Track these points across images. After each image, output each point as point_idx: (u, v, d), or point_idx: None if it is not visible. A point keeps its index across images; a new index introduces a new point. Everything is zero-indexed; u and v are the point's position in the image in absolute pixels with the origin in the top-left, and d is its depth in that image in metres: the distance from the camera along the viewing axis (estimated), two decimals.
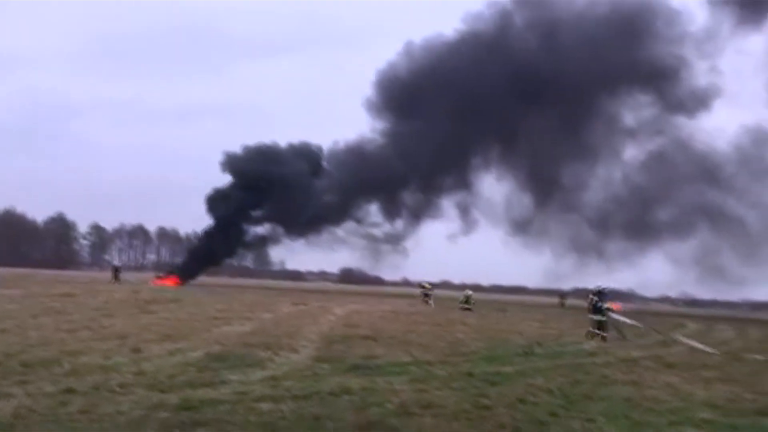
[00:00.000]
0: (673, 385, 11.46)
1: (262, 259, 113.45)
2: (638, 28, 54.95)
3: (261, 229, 66.94)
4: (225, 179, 63.79)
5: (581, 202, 58.55)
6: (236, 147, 69.41)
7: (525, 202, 60.07)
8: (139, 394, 8.08)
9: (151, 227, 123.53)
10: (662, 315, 48.11)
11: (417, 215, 63.14)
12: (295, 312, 24.25)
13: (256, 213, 64.56)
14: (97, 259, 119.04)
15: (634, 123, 58.22)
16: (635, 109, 58.04)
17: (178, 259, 73.61)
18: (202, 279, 62.96)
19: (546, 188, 58.70)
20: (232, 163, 63.24)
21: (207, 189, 63.76)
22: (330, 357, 12.12)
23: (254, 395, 8.26)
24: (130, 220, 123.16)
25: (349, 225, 64.96)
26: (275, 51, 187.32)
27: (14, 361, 9.77)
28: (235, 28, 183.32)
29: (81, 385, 8.31)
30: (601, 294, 20.48)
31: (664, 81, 55.49)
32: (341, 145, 65.77)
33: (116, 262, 54.86)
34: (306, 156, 64.69)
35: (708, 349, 18.43)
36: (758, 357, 17.38)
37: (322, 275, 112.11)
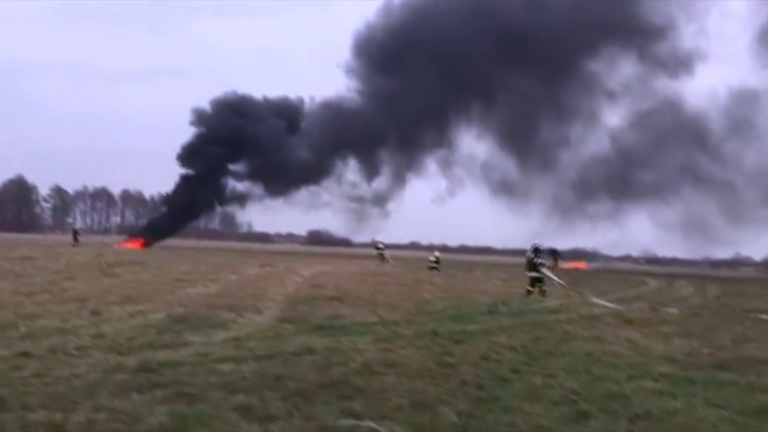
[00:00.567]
0: (632, 340, 11.66)
1: (230, 222, 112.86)
2: None
3: (239, 186, 65.36)
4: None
5: (561, 163, 58.60)
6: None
7: (505, 162, 59.94)
8: (97, 356, 7.92)
9: (115, 190, 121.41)
10: (625, 273, 49.16)
11: (399, 174, 62.15)
12: (262, 274, 24.11)
13: (233, 167, 63.10)
14: (59, 223, 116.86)
15: (617, 84, 58.05)
16: (618, 70, 57.75)
17: (143, 222, 71.47)
18: (169, 242, 62.26)
19: (526, 148, 58.57)
20: (202, 119, 61.36)
21: (172, 151, 62.09)
22: (294, 317, 12.07)
23: (215, 356, 8.16)
24: (94, 183, 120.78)
25: (331, 186, 63.92)
26: (242, 10, 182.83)
27: None
28: None
29: (37, 349, 8.12)
30: (538, 251, 20.79)
31: (648, 41, 55.24)
32: (317, 102, 64.35)
33: (76, 225, 53.13)
34: (283, 110, 62.97)
35: (615, 306, 18.48)
36: (672, 310, 17.66)
37: (290, 237, 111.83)
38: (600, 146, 58.39)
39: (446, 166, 62.71)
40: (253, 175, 63.09)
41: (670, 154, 55.30)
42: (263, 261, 33.10)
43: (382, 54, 57.76)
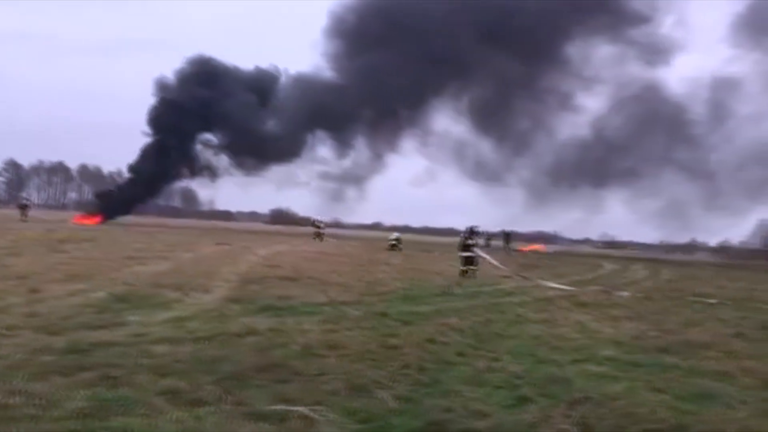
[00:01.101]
0: (582, 323, 11.71)
1: (191, 199, 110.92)
2: None
3: (209, 156, 62.96)
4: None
5: (537, 146, 58.41)
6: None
7: (481, 144, 59.62)
8: (26, 336, 7.57)
9: (73, 165, 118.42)
10: (583, 256, 49.83)
11: (375, 154, 60.92)
12: (217, 252, 23.70)
13: (204, 138, 61.34)
14: (14, 197, 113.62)
15: (595, 68, 57.83)
16: (596, 54, 57.55)
17: (101, 195, 68.43)
18: (127, 219, 60.87)
19: (502, 130, 58.18)
20: (166, 90, 59.00)
21: (133, 127, 59.79)
22: (243, 297, 11.80)
23: (152, 337, 7.87)
24: (51, 157, 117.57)
25: (306, 164, 62.48)
26: None
27: None
28: None
29: None
30: (473, 233, 20.94)
31: (628, 26, 55.04)
32: (291, 75, 62.42)
33: (24, 199, 50.88)
34: (255, 81, 60.88)
35: (570, 288, 18.66)
36: (623, 293, 17.95)
37: (253, 216, 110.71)
38: (577, 131, 58.58)
39: (422, 146, 62.17)
40: (223, 148, 61.32)
41: (647, 140, 55.67)
42: (221, 239, 32.60)
43: (358, 31, 56.46)
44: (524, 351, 8.76)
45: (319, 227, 43.60)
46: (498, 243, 52.20)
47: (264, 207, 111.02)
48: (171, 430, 4.91)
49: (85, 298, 10.65)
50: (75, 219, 53.88)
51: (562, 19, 53.28)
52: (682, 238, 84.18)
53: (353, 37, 56.71)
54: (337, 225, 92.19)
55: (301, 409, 5.48)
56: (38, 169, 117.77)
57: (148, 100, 69.43)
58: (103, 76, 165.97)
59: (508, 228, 56.01)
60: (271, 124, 58.91)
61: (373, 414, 5.60)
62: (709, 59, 77.18)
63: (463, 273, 19.81)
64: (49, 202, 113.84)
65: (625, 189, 58.73)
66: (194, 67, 59.39)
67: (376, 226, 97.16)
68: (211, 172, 62.86)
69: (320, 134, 60.50)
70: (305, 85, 58.54)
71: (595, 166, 56.44)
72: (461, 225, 24.05)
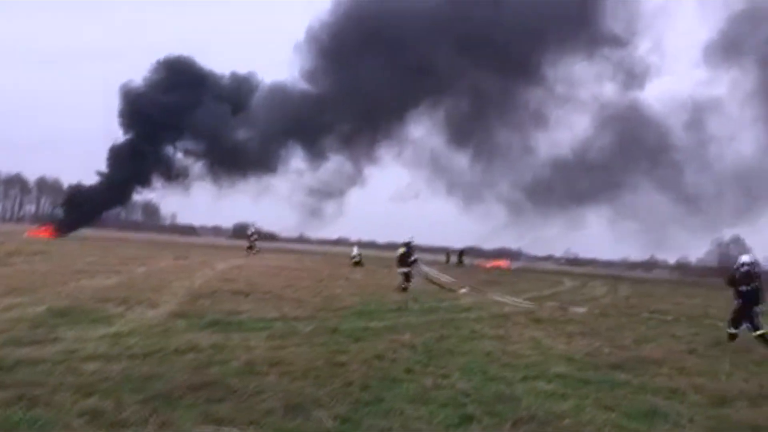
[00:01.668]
0: (536, 339, 11.58)
1: (153, 213, 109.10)
2: None
3: (182, 160, 61.36)
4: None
5: (514, 163, 58.28)
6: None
7: (457, 159, 59.43)
8: None
9: (31, 177, 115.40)
10: (545, 273, 50.12)
11: (354, 168, 60.04)
12: (173, 266, 23.16)
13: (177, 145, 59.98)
14: None
15: (573, 87, 58.14)
16: (575, 73, 57.82)
17: (59, 209, 66.33)
18: (85, 232, 59.35)
19: (479, 146, 58.04)
20: (132, 98, 57.40)
21: (93, 139, 58.40)
22: (190, 312, 11.42)
23: (84, 354, 7.49)
24: (8, 169, 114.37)
25: (282, 177, 61.34)
26: None
27: None
28: None
29: None
30: (409, 246, 20.82)
31: (607, 47, 55.58)
32: (265, 84, 61.17)
33: None
34: (230, 89, 59.84)
35: (527, 304, 18.62)
36: (579, 309, 17.97)
37: (216, 231, 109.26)
38: (553, 149, 58.80)
39: (399, 160, 61.67)
40: (195, 154, 60.05)
41: (624, 159, 56.09)
42: (180, 253, 31.94)
43: (335, 42, 55.86)
44: (475, 368, 8.57)
45: (249, 238, 41.03)
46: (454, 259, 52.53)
47: (228, 222, 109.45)
48: None
49: (22, 312, 10.18)
50: (30, 232, 52.46)
51: (540, 36, 53.63)
52: (643, 255, 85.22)
53: (330, 47, 56.25)
54: (301, 240, 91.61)
55: (232, 429, 5.19)
56: None
57: (107, 112, 67.84)
58: (62, 87, 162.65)
59: (463, 245, 56.64)
60: (244, 133, 57.90)
61: None
62: (684, 81, 78.59)
63: (404, 290, 19.49)
64: (5, 215, 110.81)
65: (601, 207, 59.11)
66: (166, 70, 58.43)
67: (340, 242, 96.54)
68: (183, 177, 61.58)
69: (294, 145, 59.77)
70: (281, 94, 57.82)
71: (569, 184, 56.85)
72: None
